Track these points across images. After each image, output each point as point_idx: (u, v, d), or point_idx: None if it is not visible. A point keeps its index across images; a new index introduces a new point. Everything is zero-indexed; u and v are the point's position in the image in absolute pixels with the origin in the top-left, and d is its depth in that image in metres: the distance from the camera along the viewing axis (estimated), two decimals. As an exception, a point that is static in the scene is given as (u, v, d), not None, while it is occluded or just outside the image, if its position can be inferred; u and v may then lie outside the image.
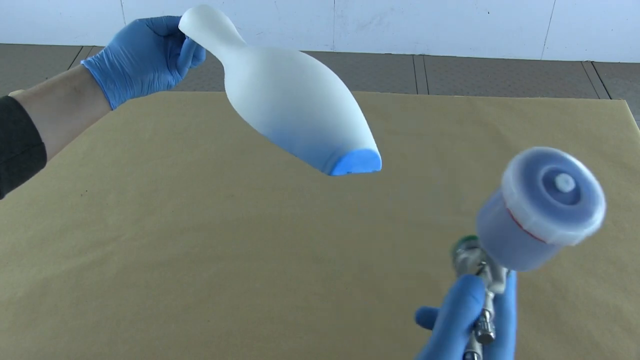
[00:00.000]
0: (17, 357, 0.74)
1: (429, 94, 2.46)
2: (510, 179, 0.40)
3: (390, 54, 2.73)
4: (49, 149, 0.65)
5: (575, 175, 0.40)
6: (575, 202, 0.39)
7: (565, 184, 0.39)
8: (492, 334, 0.40)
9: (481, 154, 1.04)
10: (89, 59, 0.70)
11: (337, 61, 2.67)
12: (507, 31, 2.65)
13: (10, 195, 0.70)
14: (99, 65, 0.70)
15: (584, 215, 0.38)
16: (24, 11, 2.72)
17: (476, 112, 1.14)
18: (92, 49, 2.74)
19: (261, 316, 0.78)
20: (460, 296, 0.41)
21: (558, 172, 0.39)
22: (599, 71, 2.63)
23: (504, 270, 0.44)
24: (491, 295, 0.43)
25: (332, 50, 2.73)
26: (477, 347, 0.40)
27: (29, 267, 0.85)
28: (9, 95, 0.67)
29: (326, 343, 0.75)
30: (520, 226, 0.39)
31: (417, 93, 2.47)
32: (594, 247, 0.87)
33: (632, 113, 1.13)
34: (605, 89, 2.52)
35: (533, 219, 0.38)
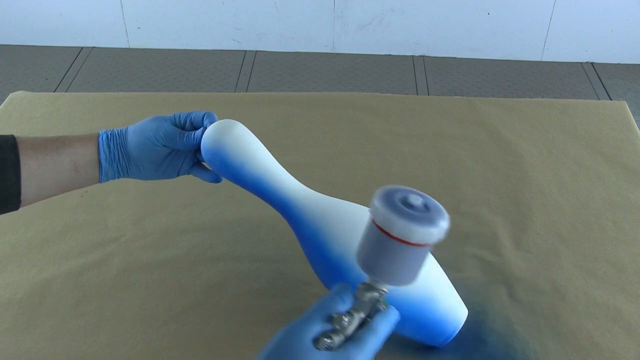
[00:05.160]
0: (17, 358, 0.74)
1: (429, 94, 2.46)
2: (378, 205, 0.52)
3: (390, 54, 2.74)
4: (23, 204, 0.67)
5: (421, 196, 0.54)
6: (426, 212, 0.53)
7: (416, 200, 0.53)
8: (344, 320, 0.51)
9: (481, 154, 1.04)
10: (108, 143, 0.71)
11: (337, 62, 2.67)
12: (507, 32, 2.65)
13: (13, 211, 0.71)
14: (113, 154, 0.71)
15: (434, 218, 0.52)
16: (24, 12, 2.72)
17: (476, 113, 1.14)
18: (92, 50, 2.74)
19: (261, 317, 0.78)
20: (331, 294, 0.53)
21: (408, 195, 0.54)
22: (599, 72, 2.63)
23: (379, 290, 0.54)
24: (362, 314, 0.53)
25: (332, 51, 2.73)
26: (336, 338, 0.50)
27: (29, 268, 0.85)
28: (17, 137, 0.67)
29: (326, 344, 0.75)
30: (389, 234, 0.51)
31: (417, 94, 2.47)
32: (593, 248, 0.87)
33: (632, 114, 1.13)
34: (605, 90, 2.52)
35: (399, 224, 0.50)
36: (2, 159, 0.64)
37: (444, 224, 0.52)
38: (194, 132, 0.72)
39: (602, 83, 2.57)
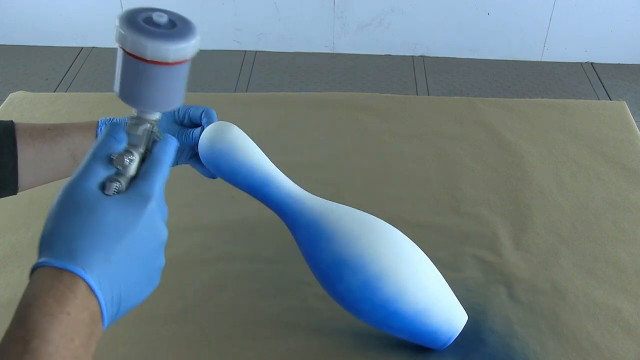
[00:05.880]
0: (17, 358, 0.74)
1: (428, 95, 2.46)
2: (123, 32, 0.48)
3: (390, 55, 2.74)
4: (21, 189, 0.67)
5: (165, 12, 0.50)
6: (174, 28, 0.49)
7: (160, 18, 0.49)
8: (125, 160, 0.48)
9: (481, 154, 1.04)
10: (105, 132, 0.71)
11: (337, 62, 2.67)
12: (507, 32, 2.65)
13: (10, 196, 0.71)
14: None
15: (185, 33, 0.49)
16: (24, 12, 2.72)
17: (476, 113, 1.14)
18: (92, 50, 2.74)
19: (261, 317, 0.78)
20: (103, 137, 0.49)
21: (151, 14, 0.49)
22: (599, 72, 2.63)
23: (150, 120, 0.52)
24: (141, 149, 0.50)
25: (332, 52, 2.73)
26: (122, 180, 0.48)
27: (29, 268, 0.85)
28: (16, 124, 0.68)
29: (326, 344, 0.75)
30: (143, 59, 0.48)
31: (417, 94, 2.47)
32: (593, 248, 0.87)
33: (632, 114, 1.13)
34: (605, 90, 2.52)
35: (150, 46, 0.47)
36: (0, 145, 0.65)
37: (194, 36, 0.50)
38: (192, 131, 0.72)
39: (602, 83, 2.57)
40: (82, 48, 2.76)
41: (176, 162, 0.76)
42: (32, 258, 0.89)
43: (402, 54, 2.73)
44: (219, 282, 0.83)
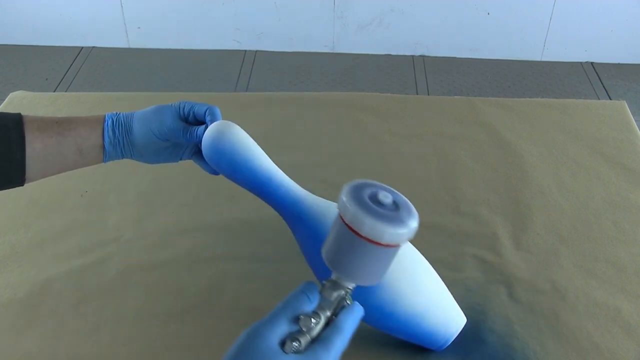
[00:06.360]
0: (17, 358, 0.74)
1: (428, 94, 2.46)
2: (347, 202, 0.50)
3: (390, 54, 2.74)
4: (28, 181, 0.68)
5: (391, 192, 0.52)
6: (396, 211, 0.51)
7: (385, 198, 0.51)
8: (311, 321, 0.49)
9: (481, 154, 1.04)
10: (113, 128, 0.71)
11: (337, 62, 2.67)
12: (507, 32, 2.65)
13: (10, 195, 0.71)
14: (118, 139, 0.72)
15: (404, 218, 0.50)
16: (24, 12, 2.72)
17: (476, 113, 1.14)
18: (92, 50, 2.74)
19: (261, 317, 0.78)
20: (297, 292, 0.51)
21: (378, 191, 0.51)
22: (599, 72, 2.63)
23: (345, 288, 0.52)
24: (328, 313, 0.51)
25: (332, 51, 2.73)
26: (303, 340, 0.48)
27: (29, 268, 0.85)
28: (24, 116, 0.69)
29: (326, 344, 0.75)
30: (358, 234, 0.49)
31: (417, 94, 2.47)
32: (593, 248, 0.87)
33: (632, 114, 1.13)
34: (605, 90, 2.52)
35: (368, 224, 0.48)
36: (8, 138, 0.65)
37: (414, 224, 0.50)
38: (196, 129, 0.72)
39: (602, 83, 2.56)
40: (82, 48, 2.76)
41: (180, 158, 0.77)
42: (32, 258, 0.89)
43: (402, 53, 2.74)
44: (219, 282, 0.83)
